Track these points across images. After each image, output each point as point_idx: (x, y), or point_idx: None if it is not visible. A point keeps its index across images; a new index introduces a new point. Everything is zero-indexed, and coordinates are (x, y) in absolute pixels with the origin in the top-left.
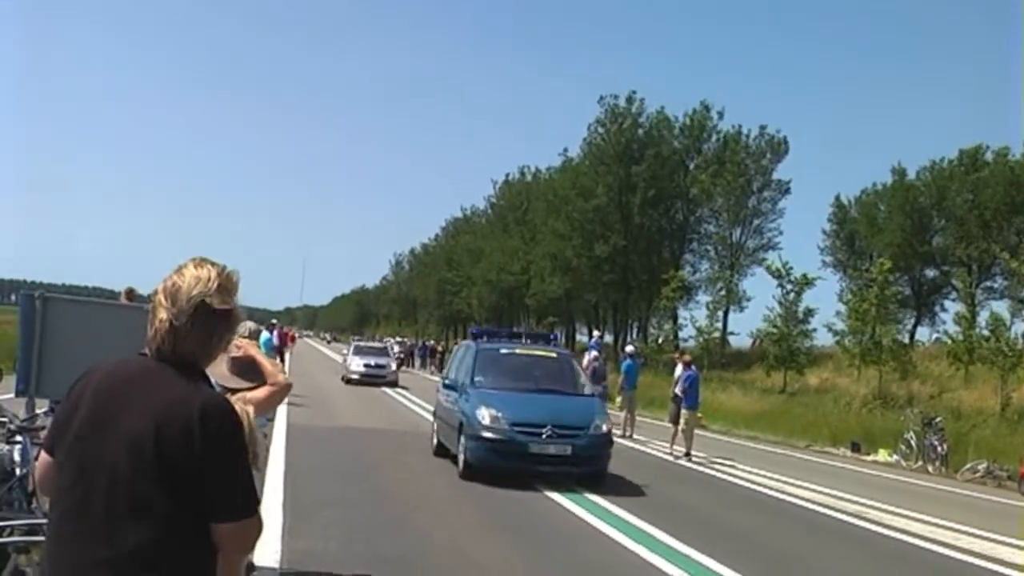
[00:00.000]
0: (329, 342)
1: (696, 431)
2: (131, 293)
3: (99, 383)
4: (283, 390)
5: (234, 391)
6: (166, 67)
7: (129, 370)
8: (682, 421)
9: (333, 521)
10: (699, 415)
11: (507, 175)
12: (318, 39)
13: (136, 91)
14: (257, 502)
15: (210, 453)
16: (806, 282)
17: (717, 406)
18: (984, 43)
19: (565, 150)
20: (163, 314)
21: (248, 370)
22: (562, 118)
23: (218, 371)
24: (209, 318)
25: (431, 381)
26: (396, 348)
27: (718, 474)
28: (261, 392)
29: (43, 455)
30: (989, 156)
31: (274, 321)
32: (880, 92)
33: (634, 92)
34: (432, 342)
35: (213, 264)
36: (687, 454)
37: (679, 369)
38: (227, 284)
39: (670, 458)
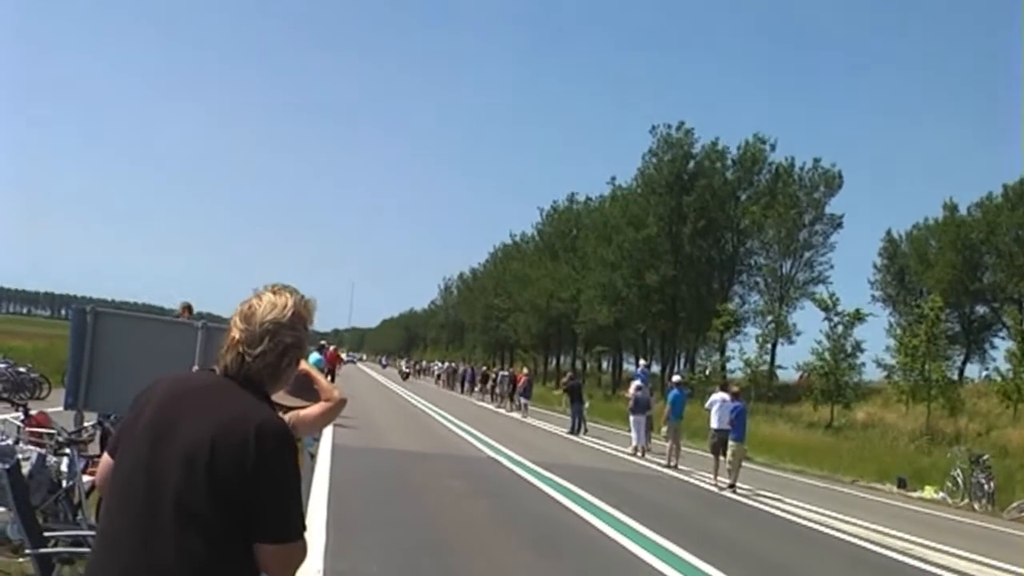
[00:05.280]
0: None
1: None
2: (189, 308)
3: (165, 392)
4: (338, 406)
5: (287, 409)
6: (223, 91)
7: (196, 383)
8: (729, 453)
9: (376, 542)
10: (744, 447)
11: (554, 203)
12: (374, 64)
13: (198, 116)
14: (304, 527)
15: (262, 473)
16: (858, 317)
17: (763, 438)
18: None
19: (613, 178)
20: (236, 334)
21: (303, 387)
22: (613, 147)
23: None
24: (279, 344)
25: (476, 407)
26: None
27: (763, 506)
28: (316, 408)
29: (106, 456)
30: None
31: (323, 343)
32: (934, 126)
33: (683, 122)
34: (484, 367)
35: (291, 292)
36: (732, 486)
37: (712, 397)
38: (302, 312)
39: (714, 489)
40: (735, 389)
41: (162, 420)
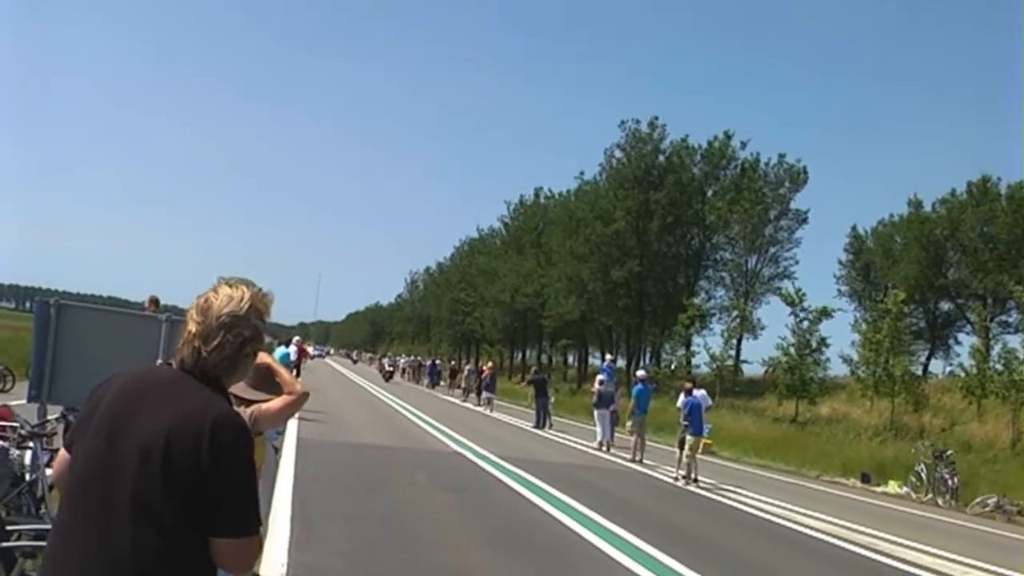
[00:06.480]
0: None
1: (705, 457)
2: (156, 302)
3: (121, 387)
4: (300, 400)
5: (249, 403)
6: (192, 80)
7: (152, 377)
8: (686, 447)
9: (340, 536)
10: (707, 441)
11: (522, 196)
12: (344, 56)
13: (166, 105)
14: (259, 522)
15: (217, 468)
16: (824, 313)
17: (728, 433)
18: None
19: (582, 173)
20: (192, 327)
21: (265, 381)
22: (581, 142)
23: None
24: (237, 337)
25: (441, 401)
26: (402, 361)
27: (725, 500)
28: (278, 402)
29: (62, 451)
30: (1003, 188)
31: (297, 337)
32: (900, 122)
33: (656, 118)
34: (453, 362)
35: (248, 285)
36: (694, 479)
37: (682, 397)
38: (258, 306)
39: (679, 483)
40: (687, 385)
41: (118, 415)
